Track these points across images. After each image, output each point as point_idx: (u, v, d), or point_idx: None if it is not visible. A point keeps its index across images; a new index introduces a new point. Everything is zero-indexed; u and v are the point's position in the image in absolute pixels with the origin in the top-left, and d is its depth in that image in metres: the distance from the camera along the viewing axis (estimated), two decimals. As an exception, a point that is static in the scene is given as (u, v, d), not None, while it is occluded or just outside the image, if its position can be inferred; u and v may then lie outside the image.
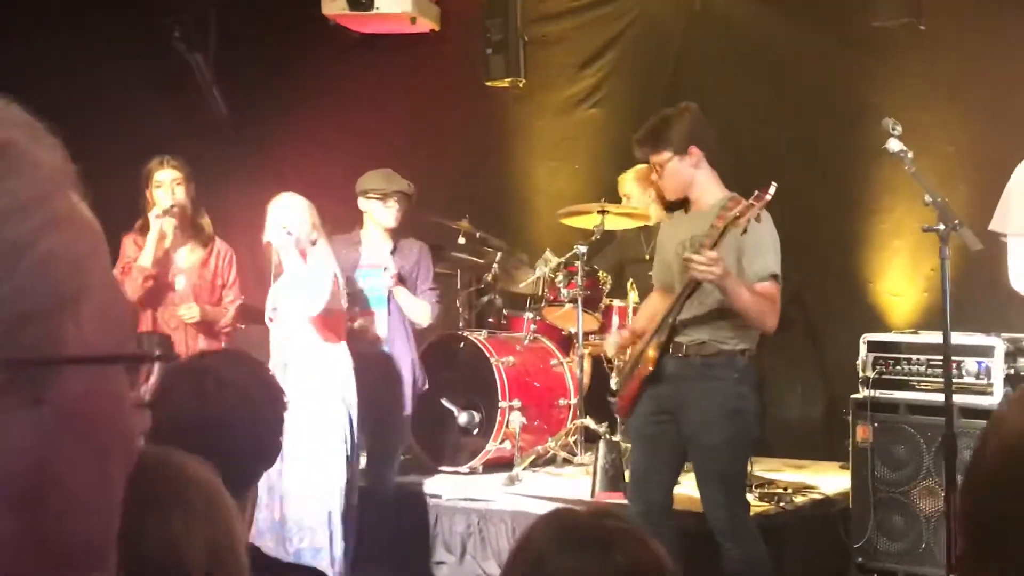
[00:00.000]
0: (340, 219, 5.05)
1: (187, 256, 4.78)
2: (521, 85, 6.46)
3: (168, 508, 0.96)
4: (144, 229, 4.65)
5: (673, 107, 3.88)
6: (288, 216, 4.29)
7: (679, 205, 4.02)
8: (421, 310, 4.85)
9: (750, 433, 3.80)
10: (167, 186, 4.68)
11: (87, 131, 6.63)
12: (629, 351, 4.01)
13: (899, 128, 3.62)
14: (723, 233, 3.44)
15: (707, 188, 3.77)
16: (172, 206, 4.63)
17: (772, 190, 3.41)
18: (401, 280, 4.81)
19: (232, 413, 1.80)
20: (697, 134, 3.74)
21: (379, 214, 4.84)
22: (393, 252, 4.88)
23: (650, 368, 3.71)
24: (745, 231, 3.43)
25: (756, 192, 3.44)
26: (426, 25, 6.45)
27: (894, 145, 3.63)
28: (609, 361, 5.74)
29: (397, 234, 4.92)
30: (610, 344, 4.07)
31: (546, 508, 4.62)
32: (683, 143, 3.72)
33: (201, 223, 4.83)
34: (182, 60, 6.45)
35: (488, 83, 6.44)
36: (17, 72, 6.42)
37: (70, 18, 6.44)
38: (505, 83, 6.44)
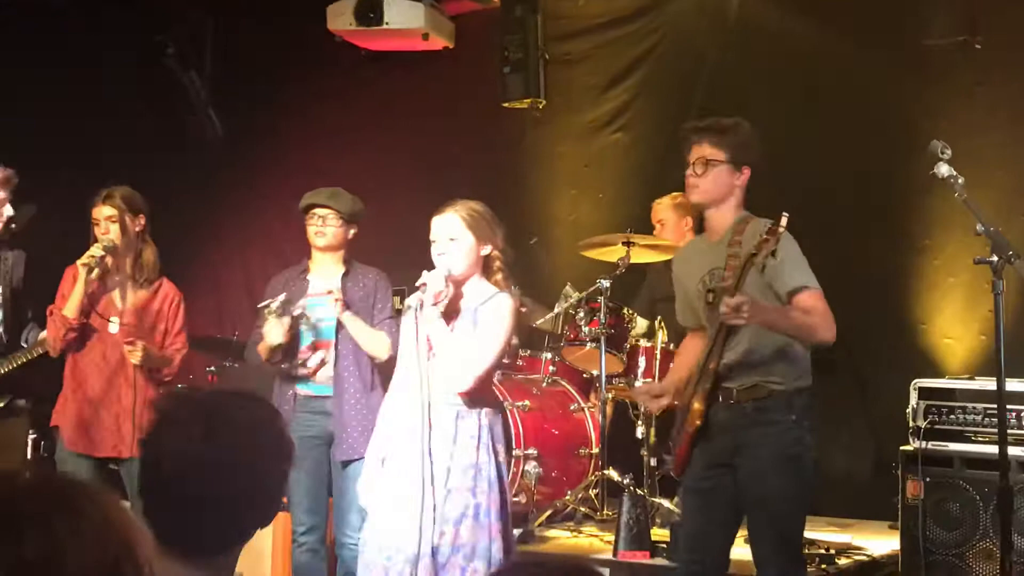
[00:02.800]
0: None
1: (125, 298, 4.78)
2: (541, 107, 6.52)
3: (54, 519, 1.04)
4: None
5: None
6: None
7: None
8: (377, 341, 4.61)
9: (809, 483, 3.73)
10: (102, 225, 4.71)
11: (71, 153, 6.76)
12: (666, 402, 4.01)
13: (949, 152, 3.64)
14: (742, 274, 3.48)
15: (728, 212, 3.80)
16: (103, 256, 4.64)
17: (784, 222, 3.44)
18: (348, 307, 4.60)
19: (235, 459, 1.81)
20: (755, 158, 3.79)
21: (309, 234, 4.74)
22: (345, 277, 4.72)
23: (698, 422, 3.70)
24: (764, 268, 3.47)
25: (768, 226, 3.47)
26: (439, 42, 6.53)
27: (943, 170, 3.65)
28: (635, 407, 5.76)
29: (351, 260, 4.78)
30: (643, 394, 4.02)
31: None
32: (742, 157, 3.76)
33: (142, 261, 4.80)
34: (175, 79, 6.56)
35: (505, 104, 6.50)
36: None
37: (55, 34, 6.58)
38: (523, 104, 6.49)
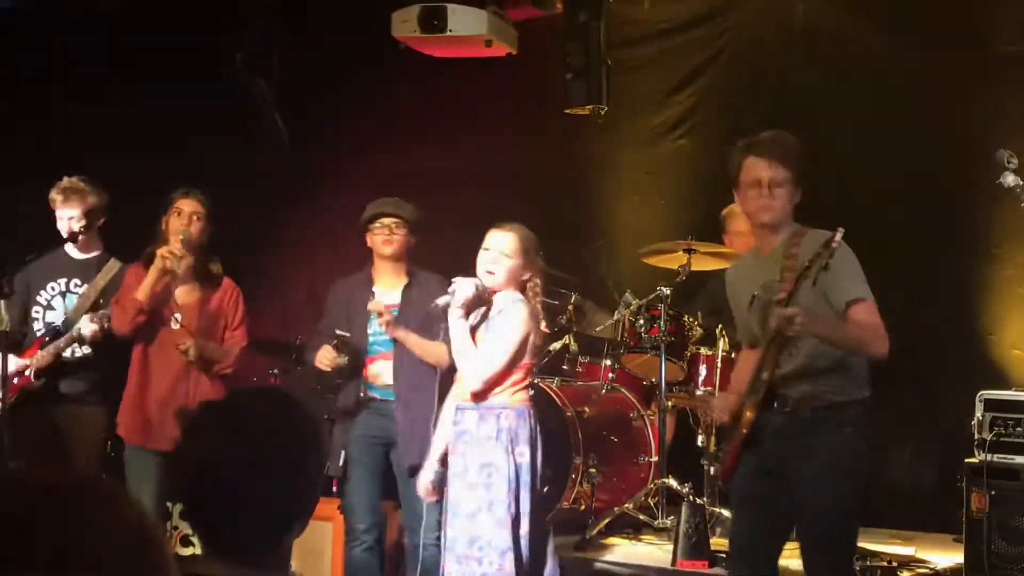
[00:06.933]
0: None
1: (187, 293, 4.93)
2: (603, 113, 6.52)
3: (89, 507, 1.11)
4: (149, 261, 4.83)
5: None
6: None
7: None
8: (435, 351, 4.62)
9: (863, 496, 3.73)
10: (186, 216, 4.86)
11: (143, 156, 6.91)
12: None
13: (1015, 161, 3.62)
14: (795, 288, 3.48)
15: (782, 229, 3.77)
16: (182, 257, 4.78)
17: (839, 236, 3.43)
18: (403, 320, 4.71)
19: (259, 459, 1.81)
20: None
21: (376, 243, 4.84)
22: (408, 287, 4.82)
23: (745, 431, 3.71)
24: (816, 283, 3.45)
25: (824, 240, 3.45)
26: (502, 48, 6.57)
27: (1010, 179, 3.64)
28: (695, 416, 5.75)
29: (413, 269, 4.87)
30: (720, 409, 4.04)
31: None
32: (802, 174, 3.73)
33: (210, 268, 4.99)
34: (243, 84, 6.69)
35: (567, 111, 6.52)
36: (72, 95, 6.77)
37: (122, 42, 6.75)
38: (586, 111, 6.50)
